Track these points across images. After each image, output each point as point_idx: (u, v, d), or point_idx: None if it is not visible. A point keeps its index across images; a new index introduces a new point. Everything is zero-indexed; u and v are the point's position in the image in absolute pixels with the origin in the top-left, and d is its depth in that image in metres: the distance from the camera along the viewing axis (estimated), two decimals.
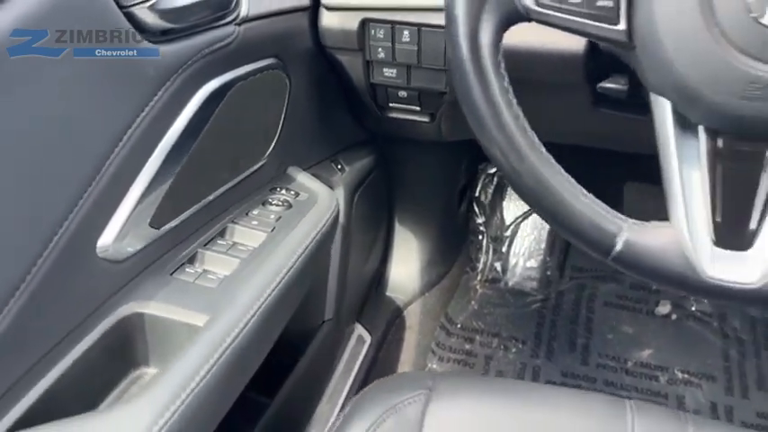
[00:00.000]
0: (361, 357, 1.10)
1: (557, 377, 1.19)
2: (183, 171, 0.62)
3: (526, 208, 1.44)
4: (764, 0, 0.40)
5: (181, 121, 0.61)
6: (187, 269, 0.63)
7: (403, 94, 0.83)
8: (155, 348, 0.58)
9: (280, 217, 0.73)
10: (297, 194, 0.78)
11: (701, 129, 0.46)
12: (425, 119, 0.87)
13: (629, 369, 1.19)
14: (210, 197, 0.68)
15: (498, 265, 1.40)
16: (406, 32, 0.75)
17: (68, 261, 0.51)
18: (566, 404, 0.64)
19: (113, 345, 0.56)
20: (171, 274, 0.61)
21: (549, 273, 1.37)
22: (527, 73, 0.72)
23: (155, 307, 0.58)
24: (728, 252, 0.46)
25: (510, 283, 1.38)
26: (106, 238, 0.55)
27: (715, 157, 0.46)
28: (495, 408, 0.63)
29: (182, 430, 0.49)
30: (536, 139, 0.49)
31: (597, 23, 0.46)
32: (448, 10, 0.49)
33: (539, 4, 0.47)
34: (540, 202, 0.49)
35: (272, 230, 0.70)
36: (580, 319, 1.29)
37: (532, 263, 1.38)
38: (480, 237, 1.42)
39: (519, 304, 1.33)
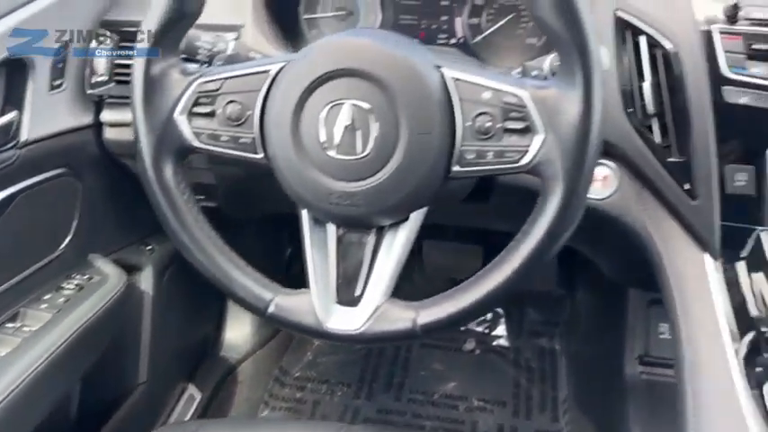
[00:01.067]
0: (189, 415, 1.23)
1: (373, 414, 1.36)
2: None
3: None
4: (331, 140, 0.60)
5: None
6: None
7: None
8: None
9: (68, 299, 0.87)
10: (90, 278, 0.93)
11: (328, 223, 0.66)
12: (212, 204, 1.04)
13: (434, 401, 1.38)
14: (1, 288, 0.82)
15: None
16: None
17: None
18: None
19: None
20: None
21: None
22: None
23: None
24: (345, 308, 0.64)
25: None
26: None
27: (338, 242, 0.65)
28: None
29: None
30: (213, 234, 0.67)
31: (244, 153, 0.65)
32: (135, 145, 0.66)
33: (200, 141, 0.65)
34: (219, 281, 0.67)
35: (58, 311, 0.85)
36: (399, 360, 1.48)
37: None
38: None
39: (348, 352, 1.51)
